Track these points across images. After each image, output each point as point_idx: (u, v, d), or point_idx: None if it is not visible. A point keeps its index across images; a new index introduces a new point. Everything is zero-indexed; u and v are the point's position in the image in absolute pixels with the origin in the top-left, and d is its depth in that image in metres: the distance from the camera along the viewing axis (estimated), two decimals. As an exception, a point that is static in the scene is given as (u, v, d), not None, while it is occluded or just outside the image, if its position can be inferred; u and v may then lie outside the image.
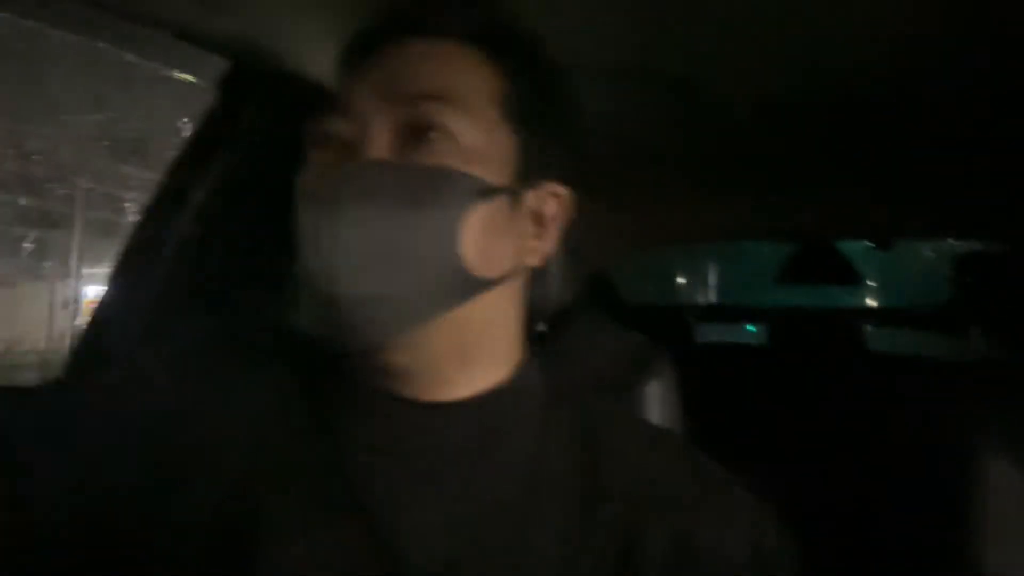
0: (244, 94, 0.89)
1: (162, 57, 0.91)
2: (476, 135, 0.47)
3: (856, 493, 1.26)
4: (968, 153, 1.16)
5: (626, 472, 0.50)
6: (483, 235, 0.46)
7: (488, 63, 0.49)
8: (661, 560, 0.46)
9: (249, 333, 0.56)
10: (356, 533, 0.46)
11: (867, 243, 1.96)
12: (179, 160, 0.88)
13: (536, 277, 0.55)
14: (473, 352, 0.50)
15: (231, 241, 0.85)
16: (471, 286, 0.47)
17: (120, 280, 0.84)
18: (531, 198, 0.51)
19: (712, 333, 2.66)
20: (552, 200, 0.53)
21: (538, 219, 0.52)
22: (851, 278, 1.99)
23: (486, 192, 0.46)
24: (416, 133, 0.46)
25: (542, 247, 0.52)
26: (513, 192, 0.49)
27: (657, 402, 0.68)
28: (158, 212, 0.86)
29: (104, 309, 0.83)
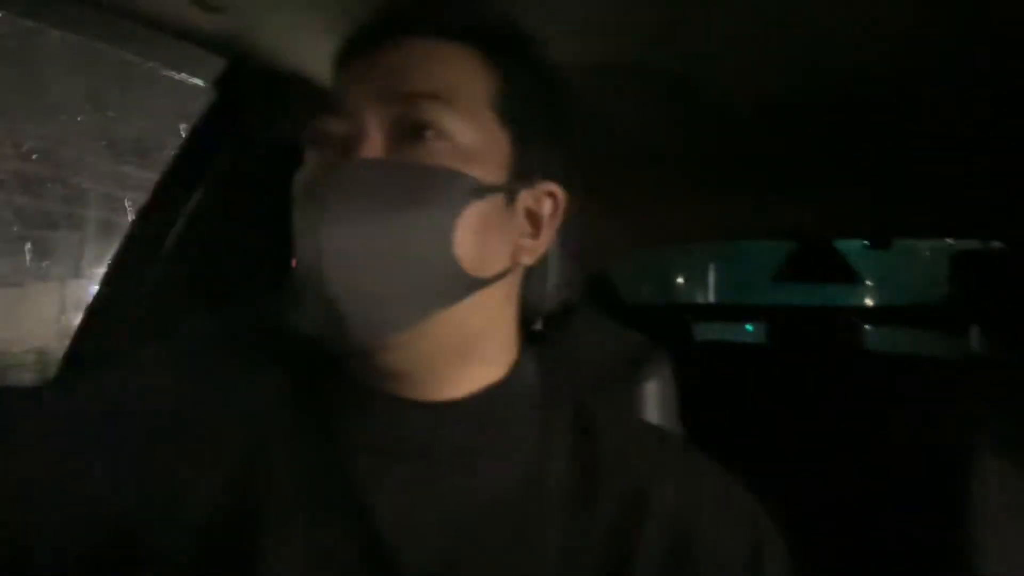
0: (242, 93, 0.89)
1: (161, 57, 0.91)
2: (471, 134, 0.46)
3: (854, 492, 1.26)
4: (967, 153, 1.17)
5: (624, 471, 0.50)
6: (478, 234, 0.46)
7: (483, 62, 0.49)
8: (659, 559, 0.46)
9: (248, 333, 0.56)
10: (354, 533, 0.46)
11: (865, 242, 1.96)
12: (178, 159, 0.88)
13: (531, 276, 0.54)
14: (469, 351, 0.50)
15: (229, 241, 0.85)
16: (466, 285, 0.47)
17: (117, 279, 0.84)
18: (526, 197, 0.51)
19: (711, 332, 2.66)
20: (547, 199, 0.53)
21: (533, 218, 0.52)
22: (849, 277, 1.99)
23: (481, 191, 0.46)
24: (411, 132, 0.45)
25: (537, 246, 0.52)
26: (508, 191, 0.49)
27: (655, 401, 0.68)
28: (156, 211, 0.86)
29: (100, 308, 0.83)
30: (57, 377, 0.82)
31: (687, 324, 2.28)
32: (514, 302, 0.53)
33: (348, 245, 0.43)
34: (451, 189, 0.45)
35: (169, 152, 0.90)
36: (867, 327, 2.11)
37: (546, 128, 0.51)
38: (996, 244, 1.68)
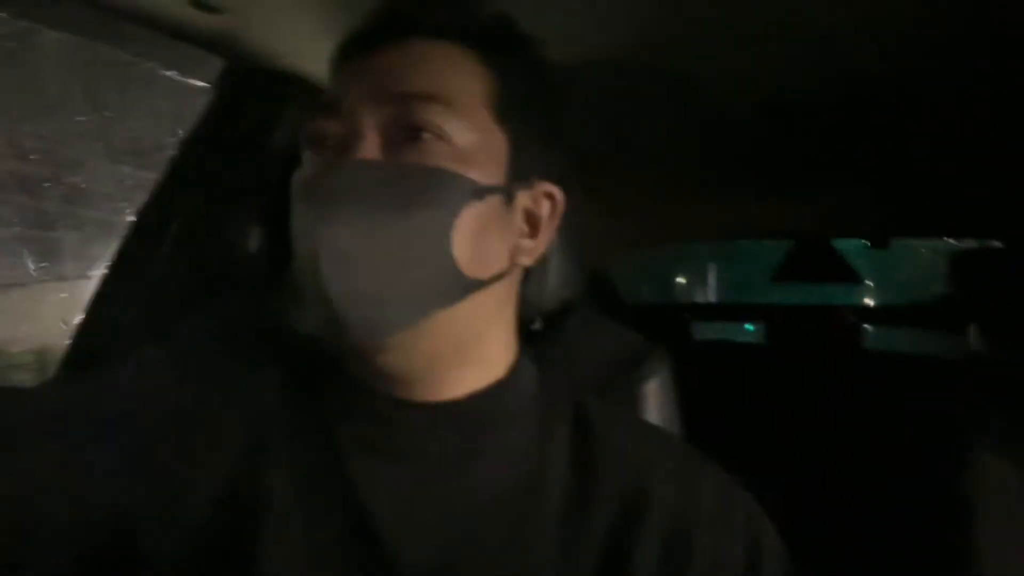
0: (241, 94, 0.89)
1: (160, 57, 0.91)
2: (468, 135, 0.46)
3: (854, 492, 1.26)
4: (966, 153, 1.17)
5: (623, 471, 0.50)
6: (476, 235, 0.46)
7: (480, 63, 0.49)
8: (658, 559, 0.47)
9: (247, 333, 0.56)
10: (353, 533, 0.46)
11: (864, 242, 1.96)
12: (177, 160, 0.88)
13: (530, 276, 0.54)
14: (467, 352, 0.50)
15: (229, 241, 0.85)
16: (464, 286, 0.47)
17: (116, 280, 0.84)
18: (524, 198, 0.51)
19: (710, 332, 2.66)
20: (545, 200, 0.53)
21: (531, 219, 0.52)
22: (849, 276, 1.99)
23: (479, 192, 0.46)
24: (408, 133, 0.45)
25: (536, 247, 0.52)
26: (506, 192, 0.49)
27: (655, 401, 0.68)
28: (155, 212, 0.86)
29: (99, 308, 0.83)
30: (56, 377, 0.82)
31: (686, 323, 2.28)
32: (513, 302, 0.53)
33: (346, 247, 0.43)
34: (449, 190, 0.45)
35: (168, 153, 0.90)
36: (866, 326, 2.11)
37: (544, 129, 0.51)
38: (995, 244, 1.68)
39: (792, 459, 1.49)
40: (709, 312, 3.11)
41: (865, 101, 0.95)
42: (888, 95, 0.93)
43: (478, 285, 0.47)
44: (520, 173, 0.49)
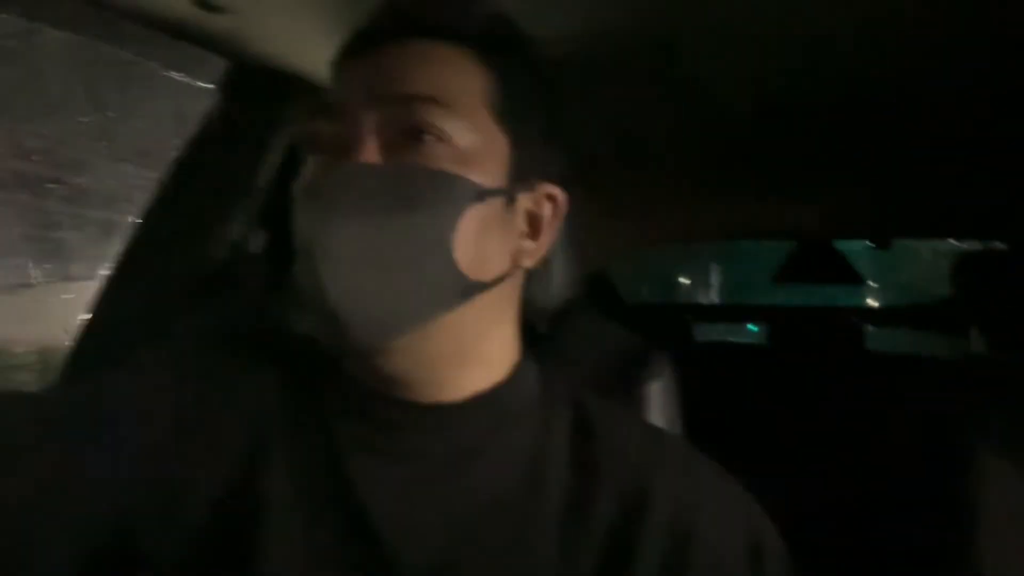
0: (244, 95, 0.89)
1: (163, 57, 0.91)
2: (469, 137, 0.46)
3: (854, 492, 1.26)
4: (968, 153, 1.17)
5: (624, 472, 0.50)
6: (477, 237, 0.46)
7: (480, 64, 0.48)
8: (659, 560, 0.46)
9: (248, 334, 0.56)
10: (354, 533, 0.46)
11: (866, 243, 1.96)
12: (180, 160, 0.88)
13: (532, 278, 0.54)
14: (469, 354, 0.50)
15: (231, 241, 0.85)
16: (466, 288, 0.46)
17: (119, 280, 0.84)
18: (526, 200, 0.51)
19: (712, 333, 2.66)
20: (546, 201, 0.52)
21: (533, 220, 0.52)
22: (850, 278, 1.99)
23: (480, 194, 0.46)
24: (408, 135, 0.45)
25: (537, 248, 0.52)
26: (507, 194, 0.48)
27: (657, 402, 0.68)
28: (158, 212, 0.86)
29: (102, 309, 0.83)
30: (59, 378, 0.83)
31: (687, 325, 2.27)
32: (515, 304, 0.53)
33: (346, 250, 0.43)
34: (450, 193, 0.45)
35: (171, 153, 0.90)
36: (868, 327, 2.11)
37: (544, 129, 0.51)
38: (997, 244, 1.68)
39: (794, 460, 1.49)
40: (710, 313, 3.11)
41: (868, 101, 0.95)
42: (891, 95, 0.93)
43: (480, 287, 0.47)
44: (521, 174, 0.49)
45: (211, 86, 0.91)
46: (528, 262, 0.52)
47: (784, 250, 2.02)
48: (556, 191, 0.52)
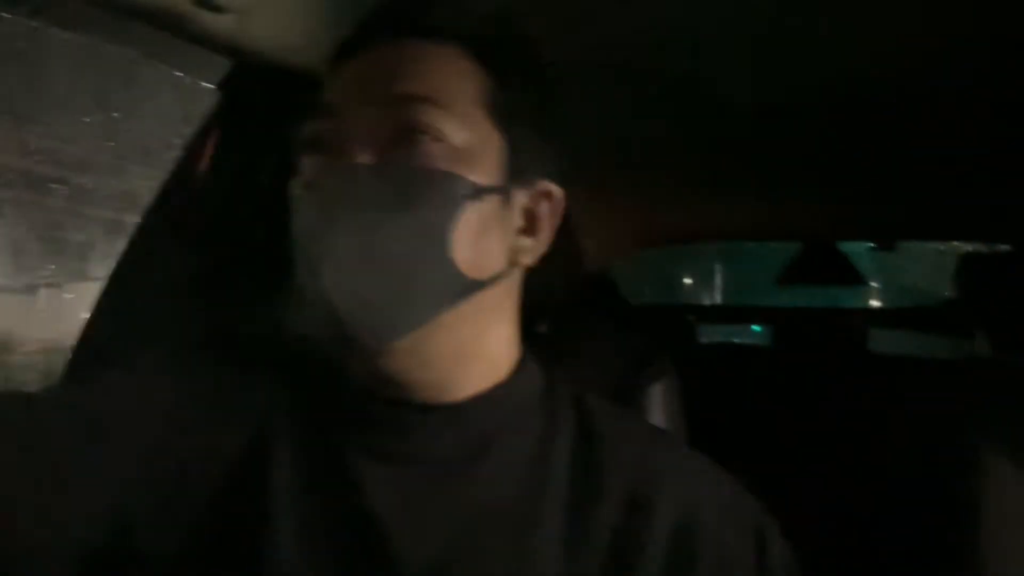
0: (247, 95, 0.89)
1: (168, 58, 0.91)
2: (465, 136, 0.46)
3: (857, 493, 1.26)
4: (972, 154, 1.16)
5: (627, 473, 0.50)
6: (475, 236, 0.46)
7: (476, 63, 0.49)
8: (662, 561, 0.46)
9: (249, 335, 0.56)
10: (355, 534, 0.46)
11: (870, 244, 1.96)
12: (183, 160, 0.88)
13: (531, 277, 0.54)
14: (469, 353, 0.50)
15: (233, 243, 0.85)
16: (464, 288, 0.46)
17: (122, 280, 0.84)
18: (522, 197, 0.51)
19: (716, 334, 2.66)
20: (544, 200, 0.52)
21: (530, 219, 0.52)
22: (854, 279, 1.99)
23: (476, 193, 0.46)
24: (403, 135, 0.45)
25: (536, 246, 0.52)
26: (504, 192, 0.49)
27: (659, 403, 0.68)
28: (161, 212, 0.87)
29: (106, 309, 0.83)
30: (62, 378, 0.83)
31: (690, 325, 2.27)
32: (515, 303, 0.53)
33: (343, 251, 0.43)
34: (446, 192, 0.45)
35: (175, 153, 0.91)
36: (871, 329, 2.10)
37: (540, 127, 0.51)
38: (1002, 246, 1.67)
39: (797, 461, 1.49)
40: (714, 314, 3.10)
41: (871, 101, 0.95)
42: (894, 95, 0.93)
43: (478, 286, 0.47)
44: (518, 172, 0.49)
45: (215, 88, 0.91)
46: (527, 260, 0.52)
47: (788, 251, 2.01)
48: (553, 188, 0.52)
